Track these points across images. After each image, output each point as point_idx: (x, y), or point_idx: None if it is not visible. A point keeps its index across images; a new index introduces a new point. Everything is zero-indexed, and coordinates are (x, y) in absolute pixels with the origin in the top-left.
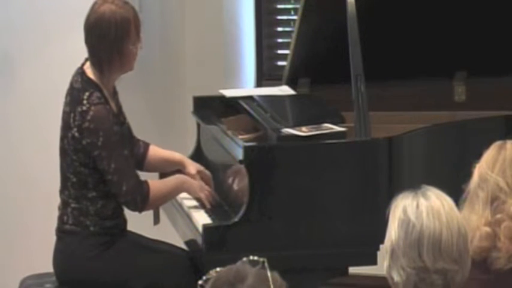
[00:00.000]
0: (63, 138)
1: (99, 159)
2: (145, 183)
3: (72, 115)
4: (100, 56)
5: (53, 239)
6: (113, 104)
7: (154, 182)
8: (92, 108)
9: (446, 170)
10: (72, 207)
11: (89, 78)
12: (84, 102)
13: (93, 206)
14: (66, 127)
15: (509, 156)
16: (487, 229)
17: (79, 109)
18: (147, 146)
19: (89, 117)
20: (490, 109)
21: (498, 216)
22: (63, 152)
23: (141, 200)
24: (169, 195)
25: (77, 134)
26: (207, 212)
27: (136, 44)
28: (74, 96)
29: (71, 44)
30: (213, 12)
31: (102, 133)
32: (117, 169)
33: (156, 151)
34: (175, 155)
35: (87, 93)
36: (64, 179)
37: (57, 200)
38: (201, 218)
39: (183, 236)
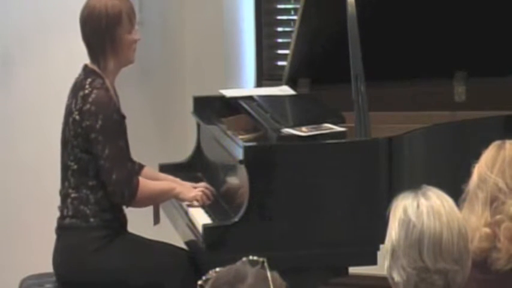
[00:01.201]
0: (64, 128)
1: (94, 143)
2: (136, 179)
3: (74, 101)
4: (94, 47)
5: (53, 238)
6: (115, 99)
7: (145, 182)
8: (94, 91)
9: (446, 170)
10: (72, 198)
11: (91, 69)
12: (87, 86)
13: (93, 195)
14: (67, 115)
15: (508, 157)
16: (487, 230)
17: (81, 93)
18: (141, 167)
19: (90, 100)
20: (490, 109)
21: (498, 217)
22: (64, 142)
23: (129, 194)
24: (158, 198)
25: (77, 117)
26: (207, 211)
27: (131, 32)
28: (76, 86)
29: (71, 44)
30: (213, 12)
31: (101, 116)
32: (110, 156)
33: (150, 173)
34: (168, 178)
35: (89, 79)
36: (65, 169)
37: (57, 199)
38: (201, 218)
39: (183, 236)
